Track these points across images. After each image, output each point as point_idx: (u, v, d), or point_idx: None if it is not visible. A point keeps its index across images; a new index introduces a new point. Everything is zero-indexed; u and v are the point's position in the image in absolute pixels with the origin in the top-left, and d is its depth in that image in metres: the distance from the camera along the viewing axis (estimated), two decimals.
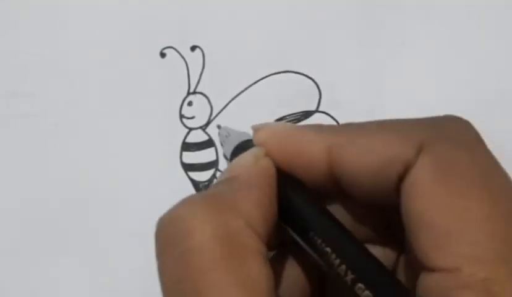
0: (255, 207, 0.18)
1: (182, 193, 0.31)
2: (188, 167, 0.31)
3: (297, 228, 0.20)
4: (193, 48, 0.32)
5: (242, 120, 0.32)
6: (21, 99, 0.32)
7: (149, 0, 0.33)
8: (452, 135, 0.18)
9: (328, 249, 0.18)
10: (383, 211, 0.20)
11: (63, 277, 0.30)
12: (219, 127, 0.31)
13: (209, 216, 0.17)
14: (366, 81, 0.32)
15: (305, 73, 0.32)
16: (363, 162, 0.18)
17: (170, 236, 0.17)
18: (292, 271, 0.21)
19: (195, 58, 0.32)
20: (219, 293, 0.16)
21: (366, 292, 0.17)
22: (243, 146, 0.24)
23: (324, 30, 0.32)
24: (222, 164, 0.31)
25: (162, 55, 0.32)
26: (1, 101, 0.32)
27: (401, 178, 0.18)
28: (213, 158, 0.31)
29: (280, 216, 0.19)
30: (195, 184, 0.31)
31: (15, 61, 0.32)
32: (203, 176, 0.31)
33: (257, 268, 0.17)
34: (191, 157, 0.31)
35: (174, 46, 0.32)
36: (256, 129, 0.22)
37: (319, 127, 0.20)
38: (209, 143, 0.31)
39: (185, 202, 0.18)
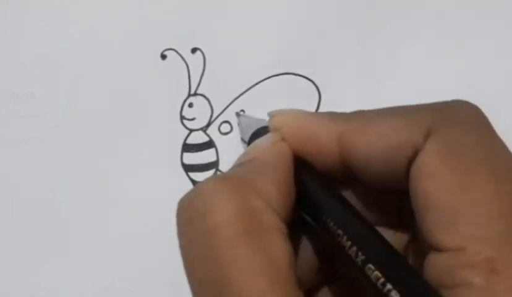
0: (274, 187, 0.18)
1: (182, 194, 0.31)
2: (188, 168, 0.31)
3: (310, 210, 0.20)
4: (193, 50, 0.33)
5: None
6: (22, 100, 0.32)
7: (150, 2, 0.33)
8: (460, 119, 0.18)
9: (340, 231, 0.18)
10: (394, 196, 0.20)
11: (63, 277, 0.30)
12: (237, 114, 0.31)
13: (230, 195, 0.17)
14: (366, 82, 0.32)
15: (304, 74, 0.32)
16: (373, 148, 0.19)
17: (191, 215, 0.18)
18: (304, 249, 0.22)
19: (195, 60, 0.32)
20: (243, 268, 0.16)
21: (376, 272, 0.17)
22: (260, 132, 0.24)
23: (324, 30, 0.32)
24: (223, 165, 0.31)
25: (163, 57, 0.32)
26: (1, 101, 0.32)
27: (411, 162, 0.18)
28: (213, 158, 0.31)
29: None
30: (196, 184, 0.31)
31: (15, 62, 0.33)
32: (203, 177, 0.31)
33: (278, 245, 0.17)
34: (191, 158, 0.31)
35: (174, 48, 0.32)
36: (272, 114, 0.22)
37: (332, 114, 0.20)
38: (209, 144, 0.31)
39: (206, 183, 0.18)
